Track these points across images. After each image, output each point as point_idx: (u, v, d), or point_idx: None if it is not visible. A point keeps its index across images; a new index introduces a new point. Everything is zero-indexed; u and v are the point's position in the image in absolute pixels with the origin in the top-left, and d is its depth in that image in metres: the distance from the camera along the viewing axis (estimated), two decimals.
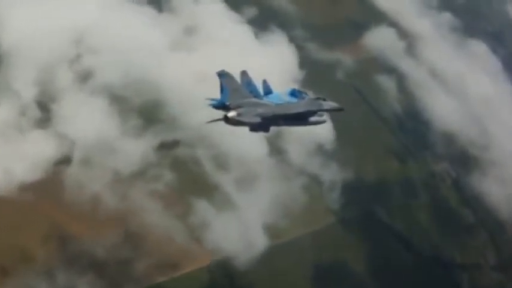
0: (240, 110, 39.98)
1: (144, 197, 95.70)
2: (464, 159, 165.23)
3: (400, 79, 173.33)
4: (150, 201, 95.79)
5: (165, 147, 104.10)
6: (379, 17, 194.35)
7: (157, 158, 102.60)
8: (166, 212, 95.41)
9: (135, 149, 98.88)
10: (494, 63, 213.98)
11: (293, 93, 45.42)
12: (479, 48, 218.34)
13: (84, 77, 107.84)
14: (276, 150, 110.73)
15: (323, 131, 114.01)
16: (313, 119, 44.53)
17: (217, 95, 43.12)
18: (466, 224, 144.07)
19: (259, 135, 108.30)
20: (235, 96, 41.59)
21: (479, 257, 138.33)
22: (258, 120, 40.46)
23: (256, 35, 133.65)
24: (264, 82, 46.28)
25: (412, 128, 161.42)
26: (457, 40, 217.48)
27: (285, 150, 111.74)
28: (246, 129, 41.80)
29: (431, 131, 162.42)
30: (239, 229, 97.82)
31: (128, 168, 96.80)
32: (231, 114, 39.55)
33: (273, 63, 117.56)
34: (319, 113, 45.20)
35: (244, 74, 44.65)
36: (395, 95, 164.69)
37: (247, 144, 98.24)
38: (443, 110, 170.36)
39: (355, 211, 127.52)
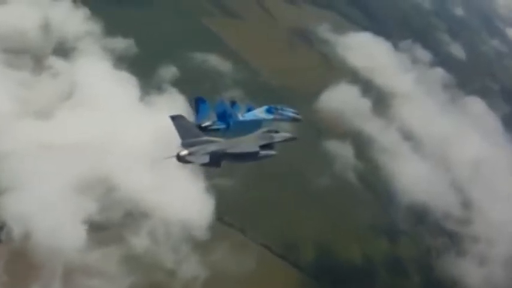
0: (192, 149, 42.27)
1: None
2: (440, 235, 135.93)
3: (361, 143, 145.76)
4: None
5: None
6: (345, 75, 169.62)
7: None
8: None
9: None
10: (492, 122, 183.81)
11: (269, 110, 48.80)
12: (476, 106, 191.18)
13: None
14: (107, 239, 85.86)
15: (197, 216, 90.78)
16: (263, 153, 44.74)
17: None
18: None
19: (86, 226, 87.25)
20: (187, 136, 43.28)
21: None
22: (206, 159, 41.98)
23: (143, 99, 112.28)
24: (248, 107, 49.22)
25: (367, 198, 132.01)
26: (450, 97, 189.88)
27: (123, 239, 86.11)
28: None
29: (393, 203, 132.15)
30: None
31: None
32: (183, 153, 42.03)
33: (155, 128, 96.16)
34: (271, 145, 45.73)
35: (221, 101, 47.48)
36: (351, 162, 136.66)
37: (63, 233, 75.41)
38: (414, 177, 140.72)
39: None
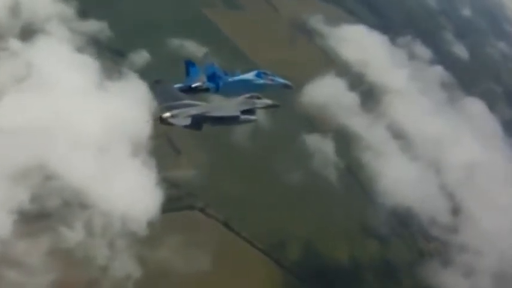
0: (174, 112, 43.38)
1: None
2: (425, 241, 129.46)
3: (346, 140, 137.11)
4: None
5: None
6: (337, 68, 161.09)
7: None
8: None
9: None
10: (491, 125, 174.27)
11: (259, 75, 50.44)
12: (475, 108, 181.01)
13: None
14: (37, 230, 78.35)
15: (144, 210, 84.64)
16: (243, 117, 45.57)
17: None
18: None
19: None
20: (170, 99, 44.31)
21: None
22: (188, 122, 42.84)
23: (100, 84, 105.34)
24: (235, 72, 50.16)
25: (348, 197, 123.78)
26: (448, 97, 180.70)
27: (55, 231, 78.62)
28: None
29: (375, 204, 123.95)
30: None
31: None
32: (165, 115, 43.21)
33: (107, 115, 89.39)
34: (252, 111, 46.40)
35: (206, 55, 50.47)
36: (331, 159, 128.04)
37: None
38: (401, 179, 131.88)
39: None
